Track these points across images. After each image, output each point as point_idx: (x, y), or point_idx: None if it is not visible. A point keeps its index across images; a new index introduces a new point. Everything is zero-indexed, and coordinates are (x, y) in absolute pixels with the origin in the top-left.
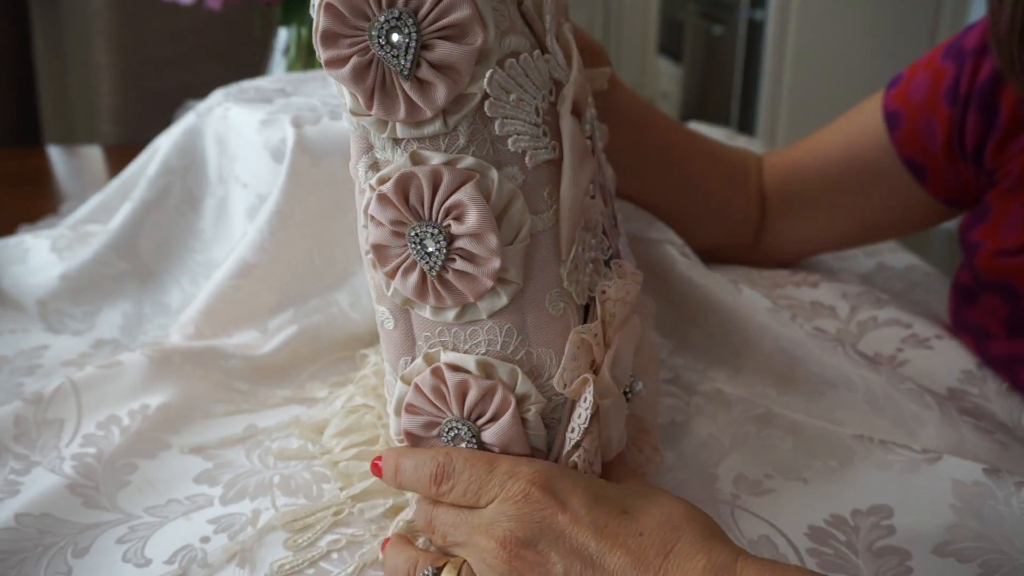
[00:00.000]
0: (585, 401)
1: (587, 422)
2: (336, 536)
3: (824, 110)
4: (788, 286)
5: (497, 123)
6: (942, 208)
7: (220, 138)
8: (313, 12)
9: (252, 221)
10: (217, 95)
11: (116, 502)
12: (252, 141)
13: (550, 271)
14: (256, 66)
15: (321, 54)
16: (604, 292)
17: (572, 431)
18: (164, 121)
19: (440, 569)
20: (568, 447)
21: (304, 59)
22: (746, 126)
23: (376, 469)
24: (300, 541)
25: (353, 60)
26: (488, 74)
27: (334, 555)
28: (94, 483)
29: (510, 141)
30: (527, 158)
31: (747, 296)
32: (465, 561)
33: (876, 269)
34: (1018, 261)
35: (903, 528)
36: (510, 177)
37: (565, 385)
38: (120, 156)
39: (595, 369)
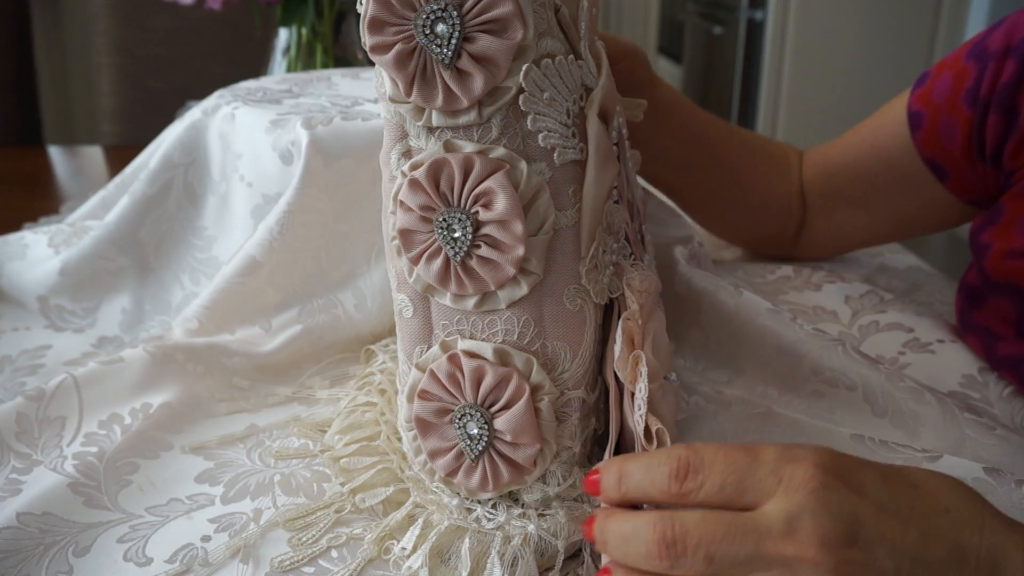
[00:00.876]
0: (643, 379)
1: (647, 399)
2: (336, 533)
3: (823, 109)
4: (790, 291)
5: (530, 118)
6: (966, 208)
7: (224, 136)
8: (360, 2)
9: (258, 219)
10: (224, 95)
11: (117, 501)
12: (260, 141)
13: (570, 267)
14: (256, 66)
15: (367, 40)
16: (630, 284)
17: (639, 410)
18: (164, 121)
19: None
20: (641, 426)
21: (304, 59)
22: (745, 125)
23: (592, 485)
24: (302, 539)
25: (397, 47)
26: (524, 68)
27: (334, 552)
28: (95, 482)
29: (540, 137)
30: (555, 155)
31: (747, 298)
32: None
33: (878, 269)
34: None
35: None
36: (538, 172)
37: (625, 368)
38: (121, 156)
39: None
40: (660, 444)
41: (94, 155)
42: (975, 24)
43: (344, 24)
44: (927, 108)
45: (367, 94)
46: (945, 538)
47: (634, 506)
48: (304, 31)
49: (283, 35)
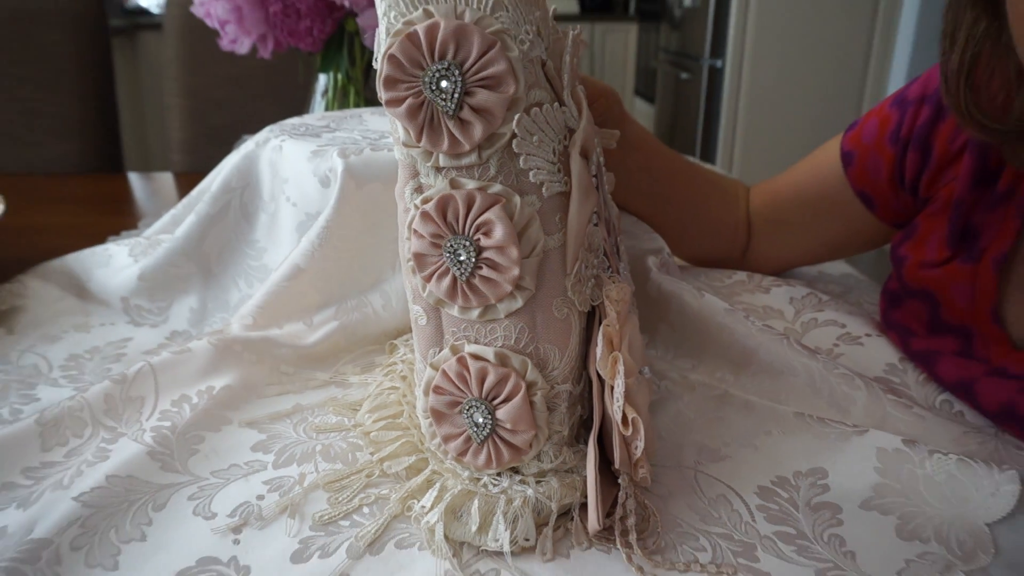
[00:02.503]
0: (620, 376)
1: (624, 393)
2: (367, 494)
3: (772, 142)
4: (744, 293)
5: (521, 159)
6: (890, 229)
7: (273, 164)
8: (377, 63)
9: (302, 233)
10: (274, 129)
11: (187, 466)
12: (303, 169)
13: (557, 282)
14: (300, 105)
15: (383, 95)
16: (608, 295)
17: (617, 402)
18: (224, 151)
19: None
20: (619, 415)
21: (339, 100)
22: (707, 155)
23: None
24: (339, 498)
25: (408, 101)
26: (516, 118)
27: (365, 509)
28: (169, 451)
29: (531, 174)
30: (544, 189)
31: (708, 299)
32: None
33: (817, 276)
34: (938, 272)
35: (835, 487)
36: (529, 203)
37: (606, 367)
38: (188, 181)
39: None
40: (635, 430)
41: (166, 180)
42: (897, 71)
43: (373, 71)
44: (857, 148)
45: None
46: None
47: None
48: (340, 76)
49: (322, 80)
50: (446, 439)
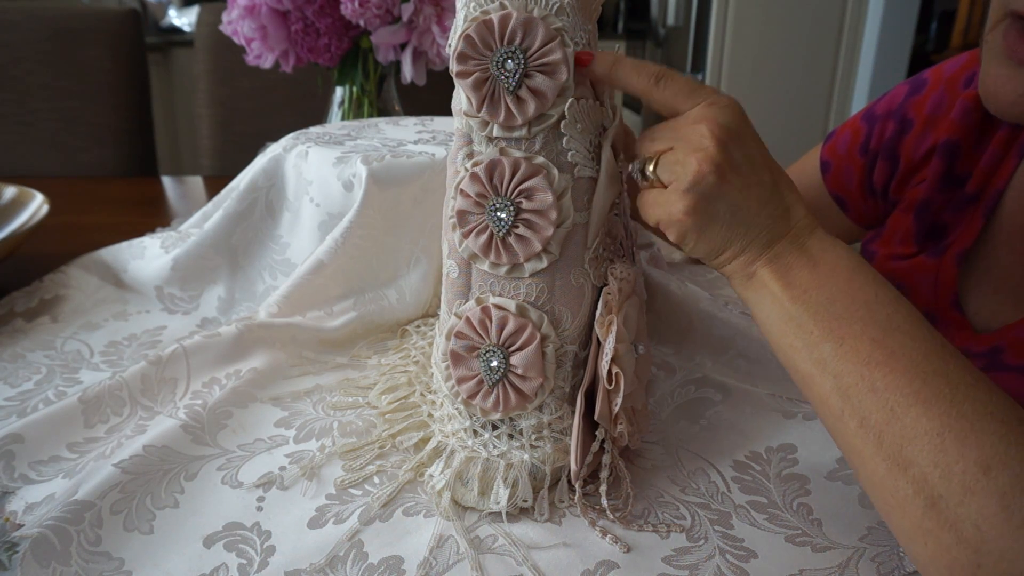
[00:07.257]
0: (612, 335)
1: (613, 350)
2: (379, 464)
3: None
4: (725, 287)
5: (564, 139)
6: (860, 230)
7: (298, 167)
8: (453, 40)
9: (323, 231)
10: (300, 136)
11: (217, 440)
12: (327, 173)
13: (578, 254)
14: (318, 115)
15: (454, 67)
16: (613, 272)
17: (606, 354)
18: (249, 157)
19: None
20: (605, 369)
21: (354, 110)
22: None
23: (585, 59)
24: (354, 465)
25: (476, 75)
26: (570, 102)
27: (376, 479)
28: (201, 425)
29: (569, 155)
30: (576, 170)
31: (692, 289)
32: (661, 155)
33: None
34: (904, 264)
35: (803, 460)
36: (564, 180)
37: (602, 327)
38: (216, 184)
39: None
40: (616, 386)
41: (196, 183)
42: (860, 85)
43: (385, 84)
44: (833, 158)
45: (408, 137)
46: (774, 168)
47: None
48: (354, 89)
49: (339, 92)
50: (460, 380)
